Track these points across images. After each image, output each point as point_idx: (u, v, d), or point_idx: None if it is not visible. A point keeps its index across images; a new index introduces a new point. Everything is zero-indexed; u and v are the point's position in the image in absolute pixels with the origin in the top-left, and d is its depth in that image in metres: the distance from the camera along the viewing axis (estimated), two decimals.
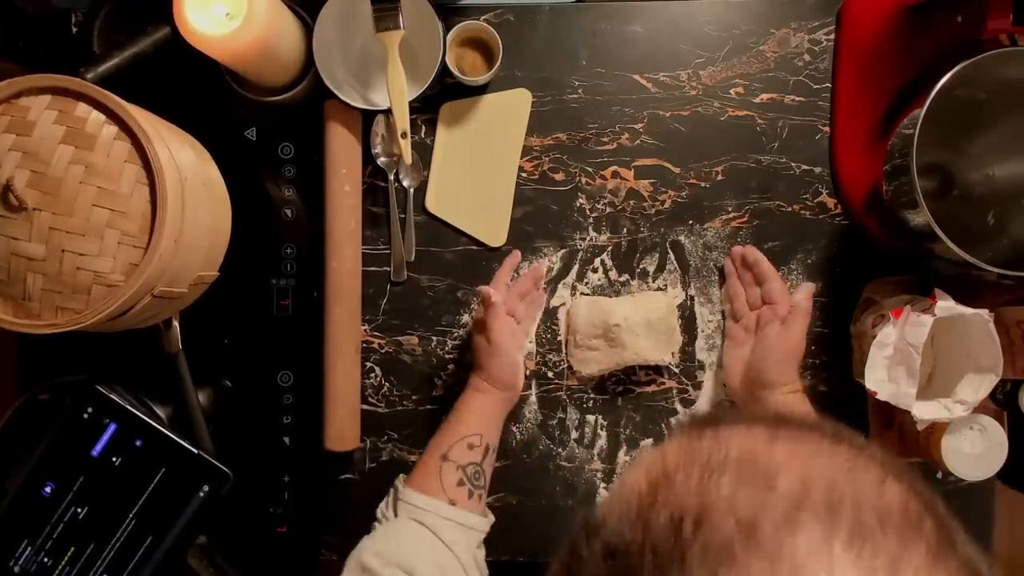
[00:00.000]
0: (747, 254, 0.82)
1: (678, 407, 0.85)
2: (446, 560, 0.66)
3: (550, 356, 0.85)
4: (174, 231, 0.63)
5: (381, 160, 0.84)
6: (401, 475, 0.75)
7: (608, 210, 0.85)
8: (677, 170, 0.85)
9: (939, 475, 0.83)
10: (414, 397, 0.85)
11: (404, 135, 0.78)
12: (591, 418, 0.85)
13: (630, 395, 0.85)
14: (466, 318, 0.86)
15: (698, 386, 0.85)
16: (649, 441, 0.85)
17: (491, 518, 0.74)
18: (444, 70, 0.81)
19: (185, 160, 0.66)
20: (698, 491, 0.29)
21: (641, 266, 0.86)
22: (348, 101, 0.79)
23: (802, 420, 0.34)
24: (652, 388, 0.85)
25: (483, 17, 0.84)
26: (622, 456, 0.85)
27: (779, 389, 0.75)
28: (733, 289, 0.83)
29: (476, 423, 0.74)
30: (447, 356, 0.85)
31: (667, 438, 0.39)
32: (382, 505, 0.72)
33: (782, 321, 0.77)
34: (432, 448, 0.74)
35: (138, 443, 0.70)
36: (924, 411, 0.73)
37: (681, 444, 0.33)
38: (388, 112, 0.80)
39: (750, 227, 0.85)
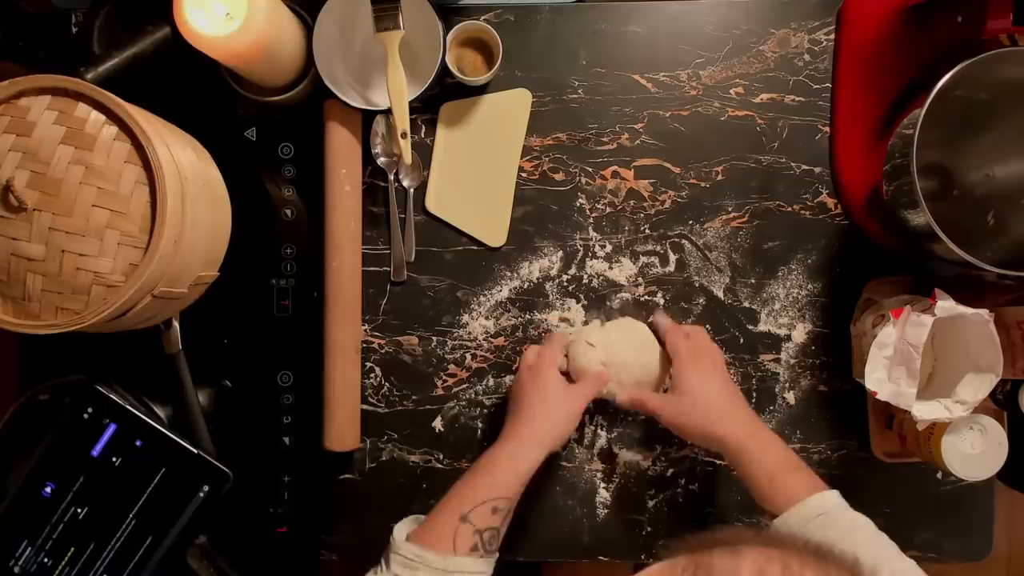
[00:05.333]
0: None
1: None
2: None
3: None
4: (174, 231, 0.63)
5: (381, 160, 0.84)
6: (403, 524, 0.68)
7: (608, 210, 0.85)
8: (677, 170, 0.85)
9: (939, 475, 0.84)
10: (414, 397, 0.85)
11: (404, 135, 0.77)
12: (590, 418, 0.85)
13: None
14: (466, 318, 0.85)
15: None
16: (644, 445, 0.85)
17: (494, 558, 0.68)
18: (444, 70, 0.81)
19: (185, 160, 0.66)
20: None
21: (641, 266, 0.85)
22: (348, 101, 0.79)
23: (806, 548, 0.36)
24: None
25: (483, 17, 0.84)
26: (622, 456, 0.85)
27: (735, 442, 0.70)
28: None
29: (507, 483, 0.68)
30: (447, 356, 0.85)
31: (674, 553, 0.38)
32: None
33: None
34: (451, 503, 0.67)
35: (138, 443, 0.70)
36: (924, 411, 0.73)
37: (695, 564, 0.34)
38: (388, 112, 0.80)
39: (750, 227, 0.85)
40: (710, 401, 0.73)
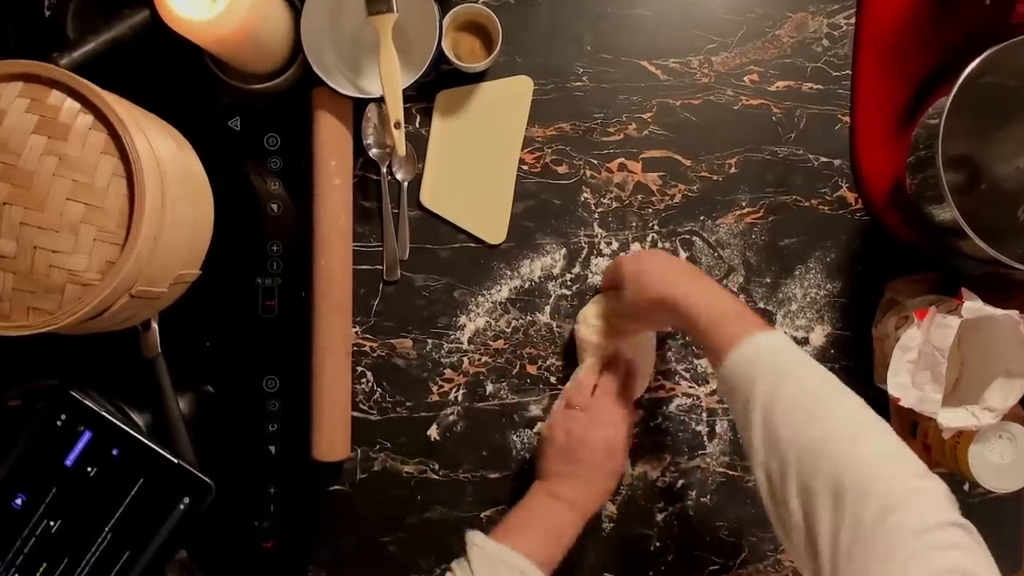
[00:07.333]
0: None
1: (680, 413, 0.84)
2: None
3: (551, 360, 0.84)
4: (153, 227, 0.62)
5: (373, 152, 0.83)
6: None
7: (614, 205, 0.84)
8: (688, 162, 0.84)
9: (966, 486, 0.83)
10: (408, 404, 0.84)
11: (398, 125, 0.77)
12: None
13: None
14: (463, 319, 0.84)
15: (708, 391, 0.84)
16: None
17: None
18: (440, 56, 0.80)
19: (165, 152, 0.66)
20: None
21: None
22: (338, 89, 0.78)
23: None
24: (661, 394, 0.84)
25: (481, 0, 0.83)
26: (629, 467, 0.84)
27: (681, 295, 0.67)
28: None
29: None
30: (443, 360, 0.84)
31: None
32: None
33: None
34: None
35: (115, 452, 0.70)
36: (950, 418, 0.72)
37: None
38: (381, 100, 0.79)
39: (765, 223, 0.85)
40: (659, 269, 0.71)
